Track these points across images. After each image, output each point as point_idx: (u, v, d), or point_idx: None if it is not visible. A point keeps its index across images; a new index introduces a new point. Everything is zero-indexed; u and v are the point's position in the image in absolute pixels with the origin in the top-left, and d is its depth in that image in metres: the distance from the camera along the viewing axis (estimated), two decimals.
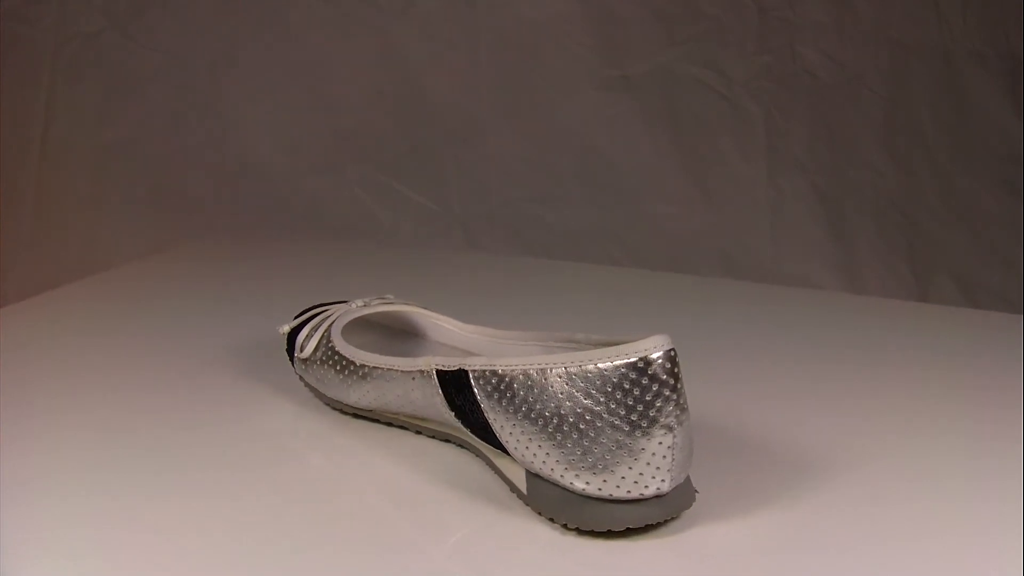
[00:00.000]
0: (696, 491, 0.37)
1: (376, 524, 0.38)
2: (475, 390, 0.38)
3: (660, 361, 0.34)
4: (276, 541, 0.37)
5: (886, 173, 1.14)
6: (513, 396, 0.36)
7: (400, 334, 0.52)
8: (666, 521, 0.36)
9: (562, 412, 0.35)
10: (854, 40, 1.13)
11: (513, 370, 0.36)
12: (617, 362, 0.34)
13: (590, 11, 1.15)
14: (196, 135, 1.12)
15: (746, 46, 1.14)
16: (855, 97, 1.13)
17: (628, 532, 0.36)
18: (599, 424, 0.34)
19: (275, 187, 1.13)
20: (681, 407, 0.34)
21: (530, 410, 0.36)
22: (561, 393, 0.35)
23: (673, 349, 0.34)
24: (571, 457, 0.35)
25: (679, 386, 0.34)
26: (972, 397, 0.52)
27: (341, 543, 0.36)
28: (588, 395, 0.34)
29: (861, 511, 0.39)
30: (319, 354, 0.47)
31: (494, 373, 0.37)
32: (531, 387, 0.36)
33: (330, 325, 0.48)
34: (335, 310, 0.50)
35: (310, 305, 0.52)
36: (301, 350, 0.48)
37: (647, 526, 0.36)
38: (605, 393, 0.34)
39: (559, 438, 0.35)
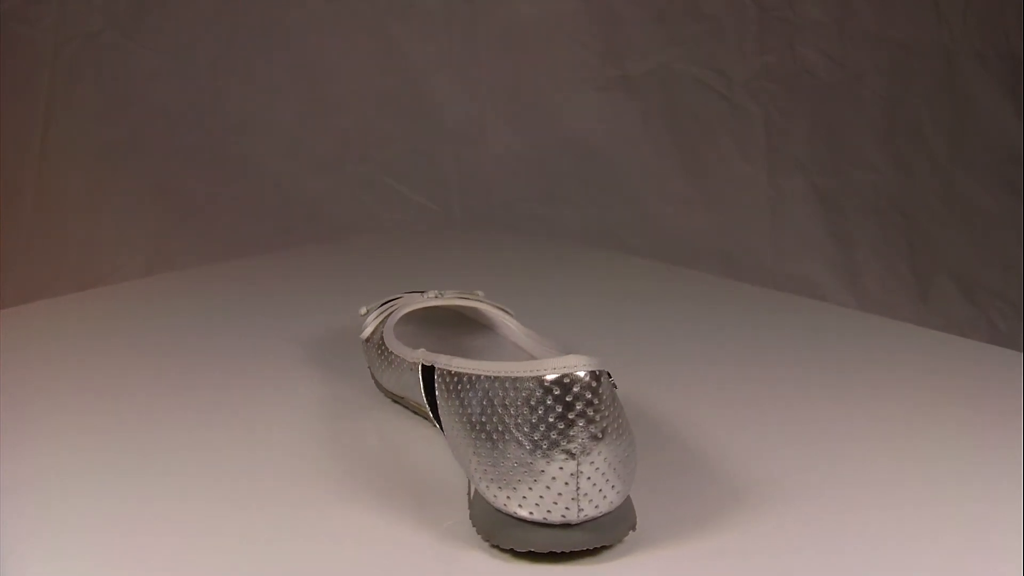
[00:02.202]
0: (633, 528, 0.35)
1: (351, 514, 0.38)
2: (435, 388, 0.38)
3: (571, 384, 0.32)
4: (277, 541, 0.37)
5: (886, 173, 1.14)
6: (457, 397, 0.36)
7: (480, 328, 0.52)
8: (596, 549, 0.35)
9: (483, 419, 0.34)
10: (854, 40, 1.13)
11: (463, 371, 0.36)
12: (528, 374, 0.33)
13: (590, 11, 1.15)
14: (196, 135, 1.11)
15: (746, 46, 1.14)
16: (855, 97, 1.13)
17: (558, 556, 0.34)
18: (507, 437, 0.33)
19: (275, 187, 1.13)
20: (593, 436, 0.32)
21: (463, 414, 0.35)
22: (485, 400, 0.34)
23: (594, 373, 0.32)
24: (485, 466, 0.34)
25: (593, 414, 0.32)
26: (949, 426, 0.49)
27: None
28: (503, 406, 0.33)
29: (810, 537, 0.37)
30: (375, 337, 0.49)
31: (451, 373, 0.36)
32: (469, 391, 0.35)
33: (391, 312, 0.49)
34: (407, 299, 0.51)
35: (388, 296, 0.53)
36: (362, 331, 0.50)
37: (588, 551, 0.34)
38: (516, 406, 0.33)
39: (477, 445, 0.34)
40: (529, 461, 0.33)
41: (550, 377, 0.32)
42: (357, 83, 1.14)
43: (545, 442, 0.32)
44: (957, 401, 0.53)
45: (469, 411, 0.35)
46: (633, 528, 0.35)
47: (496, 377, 0.34)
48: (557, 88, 1.16)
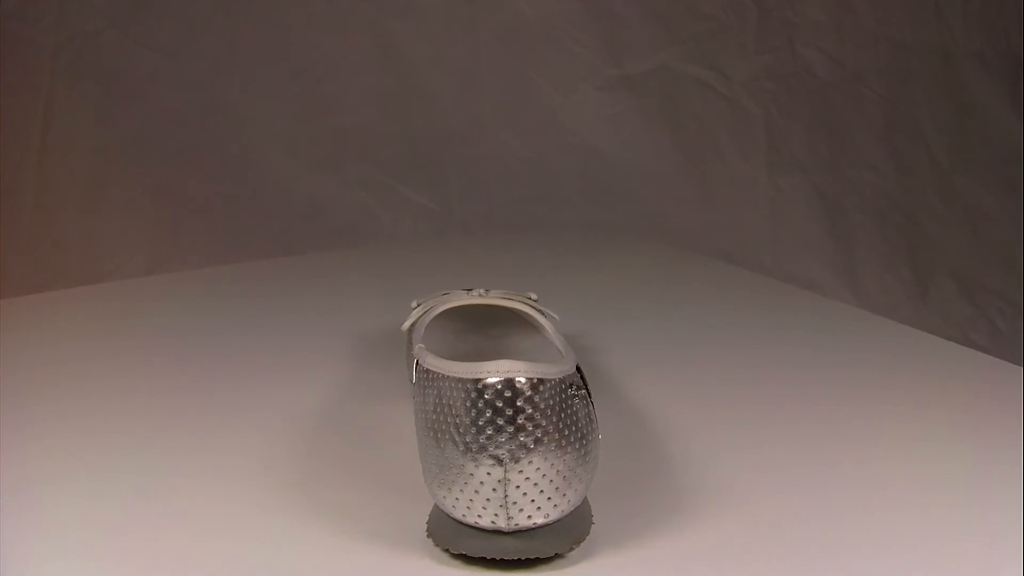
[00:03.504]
0: (577, 543, 0.34)
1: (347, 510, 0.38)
2: (414, 382, 0.38)
3: (502, 389, 0.32)
4: (276, 540, 0.37)
5: (886, 173, 1.14)
6: (422, 394, 0.36)
7: (531, 330, 0.51)
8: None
9: (434, 417, 0.34)
10: (854, 40, 1.13)
11: (431, 368, 0.35)
12: (468, 376, 0.33)
13: (590, 10, 1.15)
14: (196, 135, 1.11)
15: (746, 46, 1.14)
16: (855, 97, 1.13)
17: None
18: (447, 437, 0.33)
19: (275, 187, 1.13)
20: (523, 445, 0.32)
21: (422, 410, 0.35)
22: (438, 399, 0.34)
23: (532, 381, 0.32)
24: (429, 464, 0.34)
25: (525, 422, 0.32)
26: (941, 431, 0.49)
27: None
28: (448, 405, 0.33)
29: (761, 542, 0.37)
30: (412, 332, 0.49)
31: (424, 369, 0.36)
32: (430, 388, 0.35)
33: (432, 307, 0.49)
34: (452, 296, 0.50)
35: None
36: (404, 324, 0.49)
37: (527, 560, 0.34)
38: (455, 407, 0.33)
39: (426, 442, 0.34)
40: (461, 463, 0.33)
41: (485, 381, 0.32)
42: (357, 83, 1.14)
43: (475, 445, 0.32)
44: (944, 404, 0.53)
45: (427, 408, 0.35)
46: (577, 543, 0.34)
47: (447, 376, 0.34)
48: (557, 88, 1.16)
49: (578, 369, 0.37)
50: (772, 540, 0.37)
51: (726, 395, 0.53)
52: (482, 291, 0.50)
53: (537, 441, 0.32)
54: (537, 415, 0.32)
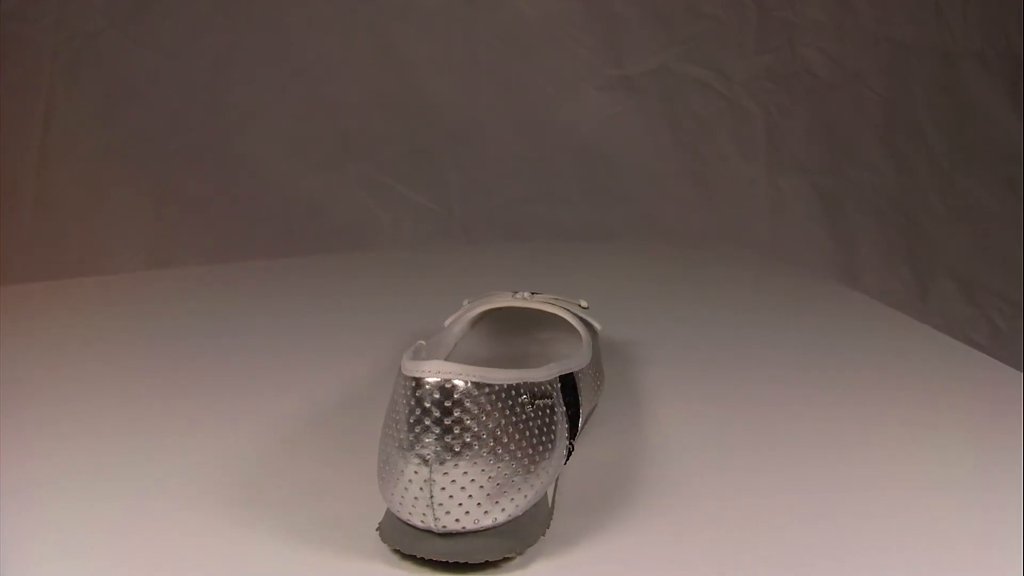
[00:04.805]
0: (507, 555, 0.34)
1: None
2: None
3: (428, 388, 0.32)
4: (277, 539, 0.37)
5: (886, 173, 1.14)
6: (392, 389, 0.36)
7: (577, 337, 0.51)
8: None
9: (389, 412, 0.34)
10: (854, 40, 1.13)
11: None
12: (409, 374, 0.32)
13: (590, 10, 1.15)
14: (196, 135, 1.11)
15: (746, 46, 1.14)
16: (855, 97, 1.13)
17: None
18: (389, 432, 0.33)
19: (275, 187, 1.13)
20: (448, 447, 0.32)
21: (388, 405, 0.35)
22: (394, 395, 0.34)
23: (457, 383, 0.32)
24: (379, 457, 0.34)
25: (451, 424, 0.32)
26: (941, 432, 0.49)
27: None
28: (394, 401, 0.33)
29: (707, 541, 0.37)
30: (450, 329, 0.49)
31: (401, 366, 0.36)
32: (395, 384, 0.35)
33: (473, 307, 0.49)
34: (496, 297, 0.50)
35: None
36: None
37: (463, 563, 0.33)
38: (396, 403, 0.33)
39: (381, 436, 0.34)
40: (395, 460, 0.33)
41: (421, 380, 0.32)
42: (357, 83, 1.14)
43: (406, 443, 0.32)
44: (939, 400, 0.53)
45: (389, 403, 0.35)
46: (515, 552, 0.34)
47: (399, 372, 0.34)
48: (557, 88, 1.16)
49: (566, 381, 0.37)
50: (772, 540, 0.37)
51: (725, 395, 0.53)
52: (527, 294, 0.50)
53: (465, 446, 0.32)
54: (468, 419, 0.32)
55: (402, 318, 0.65)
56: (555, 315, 0.50)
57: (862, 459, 0.44)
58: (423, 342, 0.41)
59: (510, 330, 0.52)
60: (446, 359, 0.46)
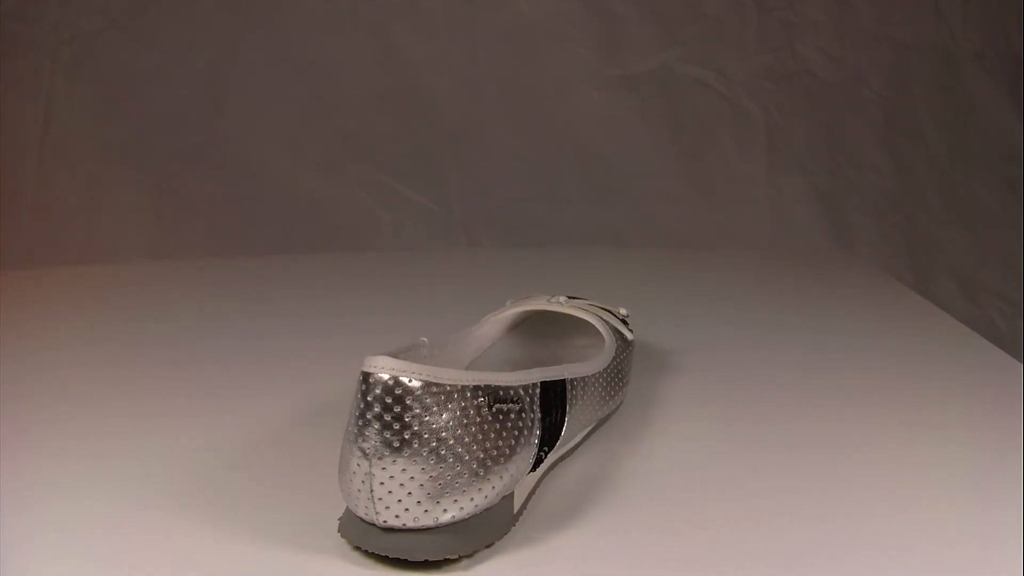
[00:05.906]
0: (449, 556, 0.33)
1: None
2: None
3: (372, 383, 0.32)
4: (277, 539, 0.37)
5: (886, 173, 1.14)
6: None
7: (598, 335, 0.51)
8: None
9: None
10: (854, 40, 1.13)
11: None
12: (362, 368, 0.32)
13: (590, 10, 1.14)
14: (196, 135, 1.11)
15: (746, 46, 1.14)
16: (855, 97, 1.13)
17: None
18: (347, 423, 0.34)
19: (275, 187, 1.13)
20: (388, 442, 0.32)
21: None
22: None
23: (403, 379, 0.32)
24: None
25: (392, 420, 0.32)
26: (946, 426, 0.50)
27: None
28: (353, 393, 0.33)
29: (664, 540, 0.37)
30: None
31: None
32: None
33: (506, 309, 0.49)
34: (532, 300, 0.50)
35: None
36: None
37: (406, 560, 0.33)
38: (353, 395, 0.33)
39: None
40: (344, 450, 0.33)
41: (369, 374, 0.32)
42: (357, 83, 1.14)
43: (352, 434, 0.33)
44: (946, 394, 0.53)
45: None
46: (458, 555, 0.34)
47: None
48: (557, 88, 1.16)
49: (552, 388, 0.37)
50: (772, 540, 0.37)
51: (725, 395, 0.53)
52: (563, 298, 0.50)
53: (405, 443, 0.32)
54: (408, 417, 0.32)
55: (402, 318, 0.65)
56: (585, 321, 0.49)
57: (862, 459, 0.44)
58: (425, 339, 0.40)
59: (550, 334, 0.52)
60: (477, 358, 0.46)
